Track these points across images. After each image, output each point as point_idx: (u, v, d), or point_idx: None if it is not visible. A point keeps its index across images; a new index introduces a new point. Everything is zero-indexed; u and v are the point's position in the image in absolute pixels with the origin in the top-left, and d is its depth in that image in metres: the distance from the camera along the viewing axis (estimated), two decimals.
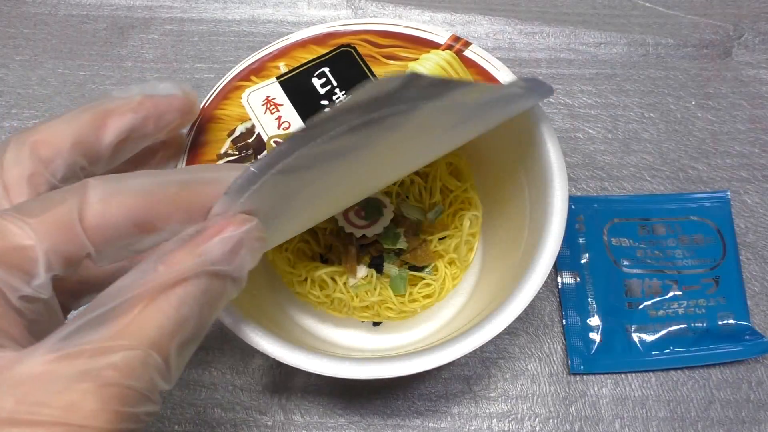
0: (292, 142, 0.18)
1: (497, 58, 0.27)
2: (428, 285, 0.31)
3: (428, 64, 0.27)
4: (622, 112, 0.40)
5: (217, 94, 0.27)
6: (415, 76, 0.18)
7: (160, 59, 0.42)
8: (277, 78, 0.27)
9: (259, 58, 0.28)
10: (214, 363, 0.33)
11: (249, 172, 0.18)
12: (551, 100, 0.41)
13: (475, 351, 0.23)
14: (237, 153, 0.26)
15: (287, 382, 0.33)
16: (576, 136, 0.40)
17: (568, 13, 0.44)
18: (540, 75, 0.41)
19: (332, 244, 0.32)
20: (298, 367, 0.24)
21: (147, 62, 0.42)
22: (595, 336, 0.33)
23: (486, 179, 0.34)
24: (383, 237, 0.31)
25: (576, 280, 0.35)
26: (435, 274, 0.31)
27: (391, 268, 0.31)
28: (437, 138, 0.24)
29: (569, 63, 0.42)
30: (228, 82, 0.28)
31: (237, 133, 0.26)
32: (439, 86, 0.19)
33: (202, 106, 0.27)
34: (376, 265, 0.31)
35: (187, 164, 0.26)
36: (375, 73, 0.27)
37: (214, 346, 0.34)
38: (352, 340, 0.33)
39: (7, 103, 0.41)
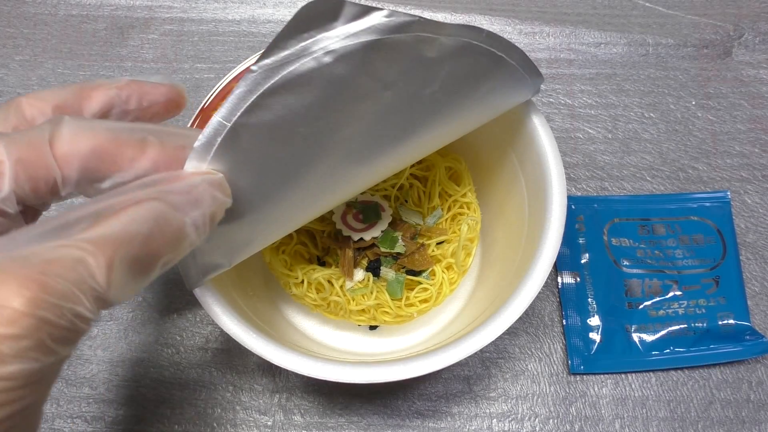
0: (247, 82, 0.19)
1: None
2: (425, 290, 0.31)
3: None
4: (622, 112, 0.40)
5: (216, 95, 0.27)
6: (348, 2, 0.20)
7: (160, 59, 0.42)
8: None
9: None
10: (214, 363, 0.33)
11: (215, 120, 0.19)
12: (551, 99, 0.41)
13: (474, 351, 0.23)
14: None
15: (287, 382, 0.33)
16: (576, 136, 0.40)
17: (568, 13, 0.44)
18: None
19: (329, 247, 0.32)
20: (294, 371, 0.23)
21: (147, 62, 0.42)
22: (595, 336, 0.33)
23: (484, 183, 0.34)
24: (381, 240, 0.31)
25: (576, 280, 0.35)
26: (432, 279, 0.31)
27: (388, 272, 0.31)
28: (415, 109, 0.23)
29: (569, 63, 0.42)
30: (228, 83, 0.28)
31: None
32: (380, 21, 0.20)
33: (201, 106, 0.27)
34: (374, 269, 0.31)
35: None
36: None
37: (215, 346, 0.34)
38: (348, 343, 0.33)
39: None
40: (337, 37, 0.20)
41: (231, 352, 0.33)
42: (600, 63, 0.42)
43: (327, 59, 0.20)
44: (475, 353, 0.23)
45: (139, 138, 0.19)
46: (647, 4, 0.44)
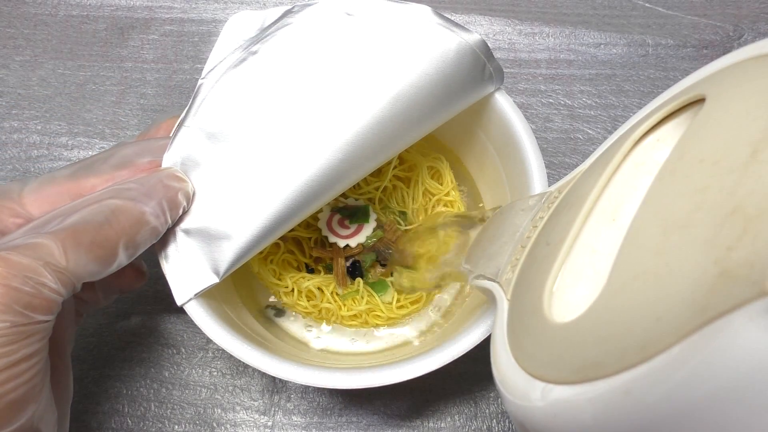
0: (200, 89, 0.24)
1: (497, 58, 0.27)
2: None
3: None
4: (622, 112, 0.40)
5: None
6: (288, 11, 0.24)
7: (160, 60, 0.42)
8: None
9: None
10: (214, 363, 0.33)
11: (179, 125, 0.24)
12: (551, 100, 0.41)
13: (474, 350, 0.23)
14: None
15: (287, 382, 0.33)
16: (576, 136, 0.40)
17: (568, 13, 0.44)
18: (540, 75, 0.42)
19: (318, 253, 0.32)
20: (292, 381, 0.23)
21: (147, 62, 0.42)
22: None
23: (468, 178, 0.34)
24: (369, 237, 0.31)
25: None
26: None
27: (367, 280, 0.31)
28: (376, 79, 0.23)
29: (569, 63, 0.42)
30: None
31: None
32: None
33: None
34: (352, 273, 0.31)
35: None
36: None
37: (215, 346, 0.34)
38: (342, 343, 0.33)
39: (8, 103, 0.41)
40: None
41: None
42: (600, 63, 0.42)
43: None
44: (475, 352, 0.23)
45: (95, 170, 0.23)
46: (647, 5, 0.44)
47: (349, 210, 0.32)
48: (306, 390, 0.33)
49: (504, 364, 0.16)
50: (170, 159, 0.23)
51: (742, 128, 0.13)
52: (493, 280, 0.20)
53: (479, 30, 0.43)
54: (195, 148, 0.23)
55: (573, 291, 0.16)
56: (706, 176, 0.13)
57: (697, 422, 0.11)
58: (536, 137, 0.28)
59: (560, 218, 0.19)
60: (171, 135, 0.24)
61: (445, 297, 0.34)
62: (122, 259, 0.21)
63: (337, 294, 0.31)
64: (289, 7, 0.24)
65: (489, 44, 0.42)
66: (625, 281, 0.14)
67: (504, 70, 0.28)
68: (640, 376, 0.11)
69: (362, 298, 0.30)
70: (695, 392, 0.10)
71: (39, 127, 0.40)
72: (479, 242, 0.24)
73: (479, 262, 0.22)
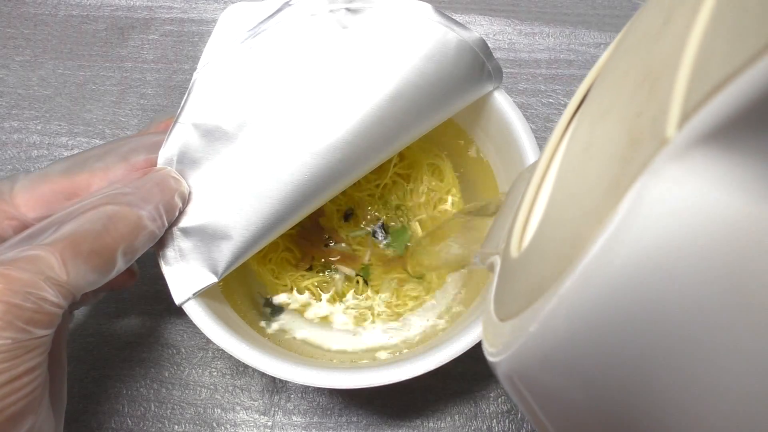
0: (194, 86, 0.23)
1: (497, 58, 0.27)
2: (415, 288, 0.31)
3: None
4: None
5: None
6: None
7: (160, 60, 0.42)
8: None
9: None
10: (214, 363, 0.33)
11: (174, 124, 0.23)
12: (551, 100, 0.41)
13: (474, 349, 0.23)
14: None
15: (287, 382, 0.33)
16: None
17: (568, 13, 0.44)
18: (540, 75, 0.42)
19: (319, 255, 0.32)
20: (292, 381, 0.23)
21: (147, 63, 0.42)
22: None
23: (471, 175, 0.34)
24: (392, 240, 0.31)
25: None
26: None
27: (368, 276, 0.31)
28: (374, 74, 0.23)
29: (569, 63, 0.42)
30: None
31: None
32: None
33: None
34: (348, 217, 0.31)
35: None
36: None
37: (215, 346, 0.34)
38: (341, 341, 0.33)
39: (8, 103, 0.41)
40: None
41: None
42: None
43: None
44: (476, 351, 0.23)
45: (89, 167, 0.22)
46: None
47: (385, 229, 0.32)
48: (306, 390, 0.33)
49: (487, 322, 0.15)
50: (166, 156, 0.23)
51: (659, 5, 0.12)
52: (495, 253, 0.20)
53: (479, 30, 0.43)
54: (191, 146, 0.23)
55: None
56: (628, 61, 0.12)
57: (646, 317, 0.09)
58: (536, 137, 0.28)
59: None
60: (167, 132, 0.23)
61: (446, 296, 0.34)
62: (121, 266, 0.21)
63: (336, 293, 0.31)
64: (287, 0, 0.24)
65: (489, 44, 0.42)
66: (560, 191, 0.13)
67: (504, 70, 0.28)
68: (574, 278, 0.10)
69: (361, 295, 0.30)
70: (632, 281, 0.09)
71: (39, 127, 0.40)
72: (493, 223, 0.24)
73: (488, 241, 0.22)
